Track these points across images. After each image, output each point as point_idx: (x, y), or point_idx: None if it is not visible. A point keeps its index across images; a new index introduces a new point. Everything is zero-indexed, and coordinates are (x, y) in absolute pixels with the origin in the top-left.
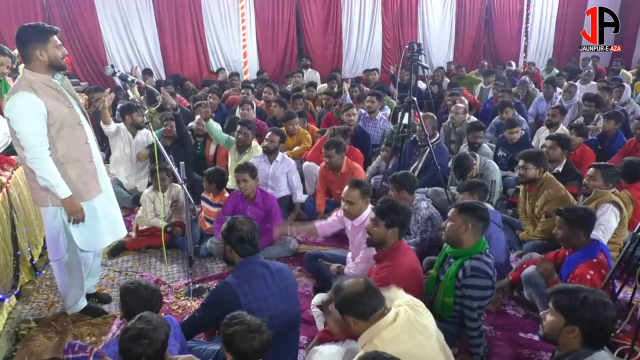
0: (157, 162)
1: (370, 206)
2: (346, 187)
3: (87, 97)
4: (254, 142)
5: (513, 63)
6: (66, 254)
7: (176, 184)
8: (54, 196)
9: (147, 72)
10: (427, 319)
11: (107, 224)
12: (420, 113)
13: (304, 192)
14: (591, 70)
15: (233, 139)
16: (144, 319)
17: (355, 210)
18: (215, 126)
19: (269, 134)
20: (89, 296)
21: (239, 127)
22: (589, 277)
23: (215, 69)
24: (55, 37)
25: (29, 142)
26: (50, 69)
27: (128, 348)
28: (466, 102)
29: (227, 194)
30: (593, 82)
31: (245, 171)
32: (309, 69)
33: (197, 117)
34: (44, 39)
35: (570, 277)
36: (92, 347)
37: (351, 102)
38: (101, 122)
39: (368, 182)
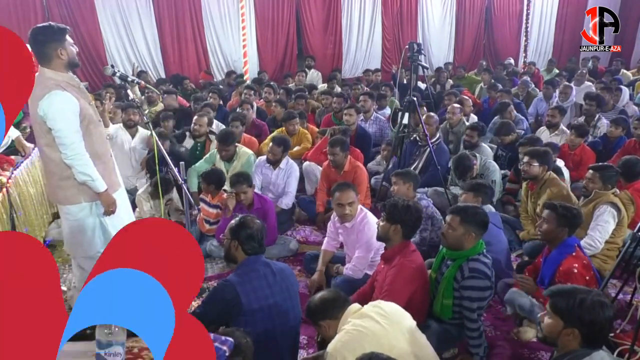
0: (157, 163)
1: (360, 205)
2: (338, 193)
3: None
4: (238, 147)
5: (512, 59)
6: (102, 248)
7: None
8: (87, 192)
9: (143, 73)
10: (394, 309)
11: (128, 216)
12: (421, 113)
13: (305, 192)
14: (584, 71)
15: (211, 155)
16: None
17: (355, 209)
18: (193, 179)
19: (270, 145)
20: None
21: (218, 144)
22: (575, 270)
23: (214, 69)
24: (68, 36)
25: (70, 139)
26: (68, 67)
27: None
28: (470, 102)
29: (225, 195)
30: (588, 83)
31: (242, 183)
32: (312, 70)
33: (195, 117)
34: (62, 38)
35: (557, 275)
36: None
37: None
38: None
39: (369, 181)
